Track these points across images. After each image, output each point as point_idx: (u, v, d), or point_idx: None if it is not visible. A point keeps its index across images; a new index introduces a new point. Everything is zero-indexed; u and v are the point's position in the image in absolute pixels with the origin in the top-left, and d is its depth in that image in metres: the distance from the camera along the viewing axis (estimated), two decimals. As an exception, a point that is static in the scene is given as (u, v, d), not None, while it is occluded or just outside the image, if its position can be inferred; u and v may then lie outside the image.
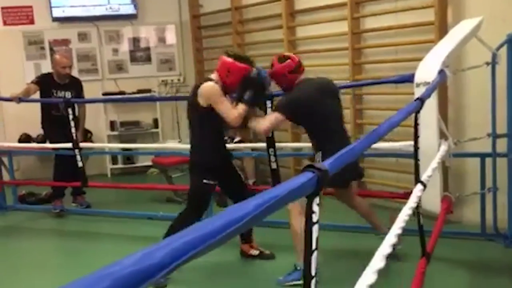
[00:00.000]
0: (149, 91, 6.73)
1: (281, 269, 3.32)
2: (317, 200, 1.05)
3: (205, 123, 3.22)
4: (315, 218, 1.06)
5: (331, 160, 1.12)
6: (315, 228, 1.06)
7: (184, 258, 0.64)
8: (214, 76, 3.25)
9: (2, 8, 6.58)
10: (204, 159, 3.30)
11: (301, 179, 0.97)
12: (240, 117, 3.12)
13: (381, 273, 1.44)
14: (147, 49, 6.99)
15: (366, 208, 3.55)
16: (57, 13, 6.57)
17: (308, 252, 1.06)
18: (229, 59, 3.19)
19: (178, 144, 6.16)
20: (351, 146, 1.33)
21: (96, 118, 6.55)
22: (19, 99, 4.89)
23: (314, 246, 1.07)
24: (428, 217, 3.04)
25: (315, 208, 1.05)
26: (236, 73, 3.17)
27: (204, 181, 3.24)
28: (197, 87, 3.22)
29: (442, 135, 3.32)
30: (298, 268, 3.13)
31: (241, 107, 3.14)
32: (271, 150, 3.88)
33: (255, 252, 3.68)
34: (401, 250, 3.20)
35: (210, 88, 3.12)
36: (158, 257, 0.62)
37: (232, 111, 3.12)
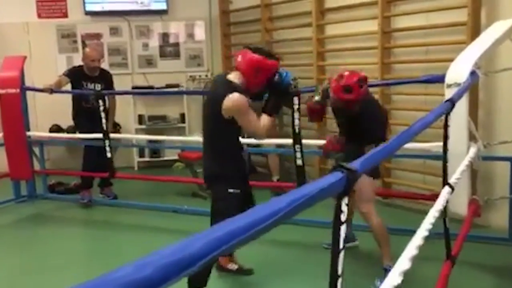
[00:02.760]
0: (177, 86, 6.81)
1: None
2: (346, 200, 1.06)
3: (226, 134, 2.85)
4: (343, 217, 1.07)
5: (362, 160, 1.13)
6: (343, 228, 1.08)
7: (221, 249, 0.67)
8: (234, 76, 2.81)
9: (37, 1, 6.73)
10: (232, 166, 2.90)
11: (330, 178, 0.98)
12: (267, 131, 2.84)
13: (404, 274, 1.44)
14: (176, 44, 7.06)
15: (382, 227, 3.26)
16: (90, 7, 6.69)
17: (335, 251, 1.08)
18: (258, 56, 2.76)
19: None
20: (384, 146, 1.33)
21: (125, 112, 6.66)
22: (51, 90, 5.01)
23: (341, 246, 1.08)
24: (455, 220, 3.01)
25: (344, 207, 1.06)
26: (265, 72, 2.79)
27: (230, 190, 2.81)
28: (218, 94, 2.77)
29: (472, 138, 3.27)
30: (388, 268, 3.03)
31: (267, 119, 2.83)
32: (297, 146, 3.87)
33: (233, 266, 3.38)
34: (426, 253, 3.17)
35: (237, 102, 2.69)
36: (196, 247, 0.65)
37: (259, 125, 2.79)
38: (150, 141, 6.61)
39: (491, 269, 3.41)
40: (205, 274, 2.83)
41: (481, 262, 3.46)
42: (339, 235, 1.06)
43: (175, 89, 6.78)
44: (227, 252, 0.71)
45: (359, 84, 3.09)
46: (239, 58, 2.81)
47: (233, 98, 2.68)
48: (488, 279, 3.28)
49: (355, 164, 1.08)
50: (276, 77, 2.85)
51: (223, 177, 2.86)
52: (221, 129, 2.82)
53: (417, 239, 1.64)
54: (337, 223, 1.06)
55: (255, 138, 2.94)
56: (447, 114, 2.28)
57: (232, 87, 2.73)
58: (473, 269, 3.34)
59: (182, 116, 6.99)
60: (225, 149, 2.87)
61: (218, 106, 2.72)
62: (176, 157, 6.22)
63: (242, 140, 3.35)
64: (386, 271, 3.10)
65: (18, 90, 5.13)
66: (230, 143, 2.88)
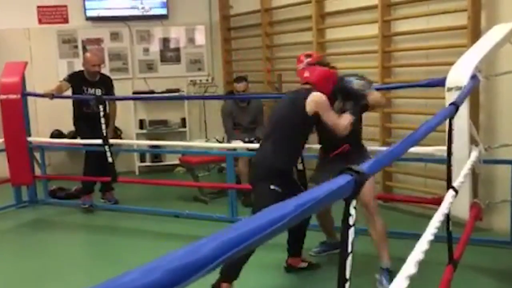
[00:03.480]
0: (178, 90, 6.81)
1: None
2: (354, 202, 1.06)
3: (302, 130, 3.19)
4: (351, 221, 1.07)
5: (370, 163, 1.13)
6: (351, 231, 1.07)
7: (228, 254, 0.67)
8: (308, 87, 3.19)
9: (38, 7, 6.75)
10: (289, 166, 3.26)
11: (339, 181, 0.98)
12: (346, 128, 3.08)
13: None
14: (177, 49, 7.08)
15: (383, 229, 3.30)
16: (90, 12, 6.71)
17: (343, 255, 1.07)
18: (324, 68, 3.21)
19: (205, 143, 6.22)
20: (390, 149, 1.34)
21: (126, 117, 6.66)
22: (53, 96, 5.01)
23: (349, 249, 1.08)
24: (456, 224, 3.00)
25: (352, 211, 1.06)
26: (333, 81, 3.18)
27: (272, 187, 3.04)
28: (300, 96, 3.13)
29: (473, 141, 3.27)
30: (385, 267, 3.18)
31: (348, 118, 3.10)
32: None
33: (303, 264, 3.50)
34: (428, 256, 3.17)
35: (319, 97, 3.08)
36: (204, 251, 0.65)
37: (339, 121, 3.08)
38: (151, 146, 6.62)
39: (493, 272, 3.40)
40: (239, 266, 2.92)
41: (483, 266, 3.46)
42: (347, 238, 1.06)
43: (176, 94, 6.79)
44: (235, 257, 0.71)
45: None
46: (307, 73, 3.19)
47: (316, 94, 3.08)
48: (490, 283, 3.27)
49: (363, 167, 1.08)
50: (350, 83, 3.20)
51: (285, 173, 3.15)
52: (299, 124, 3.13)
53: (423, 243, 1.64)
54: (345, 226, 1.06)
55: (337, 133, 3.17)
56: (451, 117, 2.28)
57: (312, 90, 3.13)
58: (475, 273, 3.34)
59: (183, 120, 6.99)
60: (295, 151, 3.23)
61: (301, 105, 3.07)
62: (177, 162, 6.22)
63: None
64: (386, 271, 3.16)
65: (19, 96, 5.13)
66: (299, 141, 3.20)
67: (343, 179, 0.99)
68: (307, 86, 3.18)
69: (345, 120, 3.08)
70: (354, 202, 1.06)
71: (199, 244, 0.69)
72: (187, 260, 0.66)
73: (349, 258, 1.08)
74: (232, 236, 0.70)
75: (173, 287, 0.63)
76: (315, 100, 3.06)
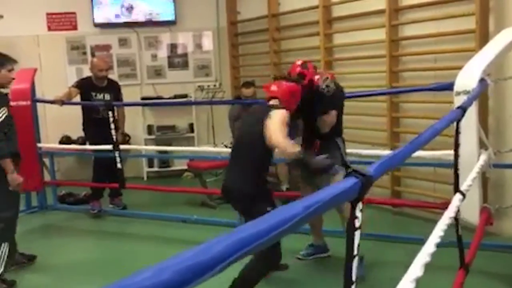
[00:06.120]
0: (185, 96, 6.85)
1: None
2: (360, 205, 1.06)
3: (268, 149, 3.02)
4: (357, 223, 1.07)
5: (375, 166, 1.13)
6: (357, 234, 1.08)
7: (238, 253, 0.67)
8: (273, 102, 3.15)
9: (47, 14, 6.82)
10: (263, 184, 3.13)
11: (345, 184, 0.99)
12: (285, 148, 2.86)
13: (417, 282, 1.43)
14: (185, 55, 7.11)
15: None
16: (98, 19, 6.77)
17: (349, 258, 1.07)
18: (291, 83, 3.19)
19: (213, 148, 6.24)
20: (395, 153, 1.34)
21: (134, 122, 6.70)
22: (62, 102, 5.05)
23: (355, 252, 1.08)
24: (466, 228, 2.98)
25: (358, 213, 1.06)
26: (298, 96, 3.19)
27: (269, 208, 2.84)
28: (266, 112, 3.02)
29: (482, 145, 3.26)
30: (315, 244, 3.63)
31: (296, 148, 2.91)
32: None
33: None
34: (439, 261, 3.15)
35: (280, 114, 2.97)
36: (213, 252, 0.65)
37: (278, 136, 2.87)
38: (159, 151, 6.64)
39: (504, 277, 3.37)
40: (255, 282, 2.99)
41: (493, 271, 3.43)
42: (353, 241, 1.06)
43: (184, 100, 6.82)
44: (243, 257, 0.71)
45: (302, 65, 3.41)
46: (274, 88, 3.18)
47: (276, 112, 3.01)
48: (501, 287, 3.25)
49: (369, 170, 1.08)
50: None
51: (260, 196, 3.03)
52: (264, 150, 3.01)
53: (430, 246, 1.63)
54: (351, 228, 1.06)
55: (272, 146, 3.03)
56: (458, 121, 2.27)
57: (275, 107, 3.10)
58: (486, 278, 3.31)
59: (191, 126, 7.02)
60: (264, 169, 3.15)
61: (264, 124, 2.96)
62: (185, 167, 6.24)
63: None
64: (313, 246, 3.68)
65: (29, 102, 5.18)
66: (267, 164, 3.17)
67: (349, 182, 0.99)
68: (273, 102, 3.15)
69: (289, 148, 2.84)
70: (360, 205, 1.06)
71: (208, 244, 0.70)
72: (196, 260, 0.66)
73: (355, 261, 1.08)
74: (241, 236, 0.71)
75: (183, 287, 0.64)
76: (273, 115, 2.95)
